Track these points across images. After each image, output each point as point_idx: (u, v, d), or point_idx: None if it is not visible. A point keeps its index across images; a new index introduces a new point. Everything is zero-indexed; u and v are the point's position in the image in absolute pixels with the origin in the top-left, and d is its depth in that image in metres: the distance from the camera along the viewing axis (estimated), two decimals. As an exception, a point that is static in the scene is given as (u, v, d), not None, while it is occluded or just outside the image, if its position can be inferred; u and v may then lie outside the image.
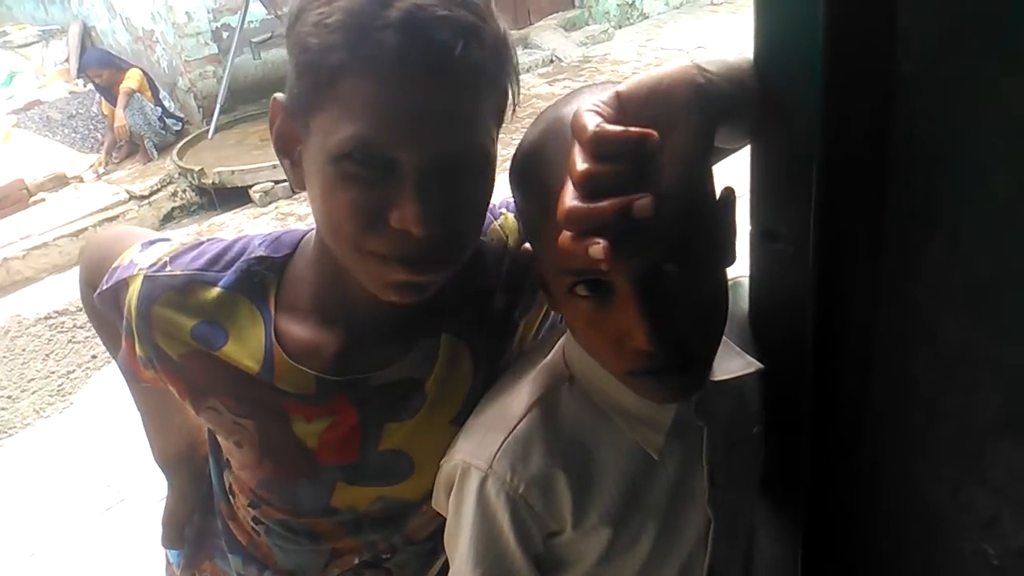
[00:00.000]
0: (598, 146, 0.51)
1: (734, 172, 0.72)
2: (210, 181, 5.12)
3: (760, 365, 0.73)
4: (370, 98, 0.59)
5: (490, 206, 0.75)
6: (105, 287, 0.81)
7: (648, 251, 0.55)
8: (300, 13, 0.61)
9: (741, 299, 0.78)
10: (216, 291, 0.75)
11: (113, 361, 0.90)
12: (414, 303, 0.68)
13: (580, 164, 0.51)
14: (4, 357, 3.64)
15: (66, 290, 4.10)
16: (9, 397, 3.35)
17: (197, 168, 5.18)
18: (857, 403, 0.70)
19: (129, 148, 5.95)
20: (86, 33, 7.08)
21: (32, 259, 4.64)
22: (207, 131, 5.81)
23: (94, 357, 3.51)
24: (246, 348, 0.75)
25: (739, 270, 0.73)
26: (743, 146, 0.68)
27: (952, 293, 0.59)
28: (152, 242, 0.83)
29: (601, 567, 0.73)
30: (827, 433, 0.74)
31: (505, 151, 0.64)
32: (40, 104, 6.51)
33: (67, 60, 7.12)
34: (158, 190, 5.29)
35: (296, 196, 4.98)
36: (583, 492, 0.70)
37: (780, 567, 0.87)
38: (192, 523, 1.04)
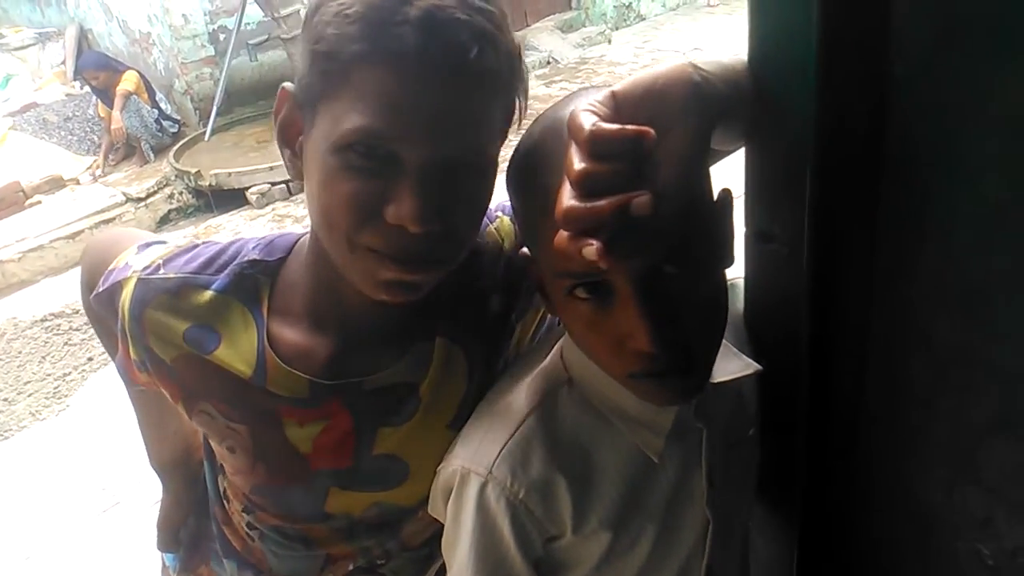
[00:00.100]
0: (595, 145, 0.50)
1: (730, 174, 0.72)
2: (207, 183, 5.12)
3: (759, 367, 0.72)
4: (382, 90, 0.59)
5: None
6: (101, 289, 0.81)
7: (647, 250, 0.55)
8: (320, 6, 0.62)
9: (737, 300, 0.78)
10: (209, 294, 0.75)
11: (110, 364, 0.90)
12: (404, 303, 0.67)
13: (577, 163, 0.51)
14: (0, 360, 3.63)
15: (62, 293, 4.08)
16: (5, 400, 3.34)
17: (194, 170, 5.17)
18: (852, 403, 0.70)
19: (126, 150, 5.94)
20: (82, 35, 7.08)
21: (28, 261, 4.63)
22: (204, 133, 5.80)
23: (90, 359, 3.50)
24: (238, 352, 0.75)
25: (736, 272, 0.73)
26: (737, 148, 0.68)
27: (946, 294, 0.59)
28: (148, 244, 0.83)
29: (600, 570, 0.73)
30: (822, 433, 0.74)
31: (503, 153, 0.64)
32: (36, 106, 6.50)
33: (63, 62, 7.11)
34: (155, 192, 5.29)
35: (293, 198, 4.97)
36: (583, 496, 0.70)
37: (776, 567, 0.87)
38: (188, 526, 1.04)
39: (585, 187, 0.50)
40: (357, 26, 0.59)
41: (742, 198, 0.68)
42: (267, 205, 4.99)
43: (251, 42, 5.94)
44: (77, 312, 3.78)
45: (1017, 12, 0.48)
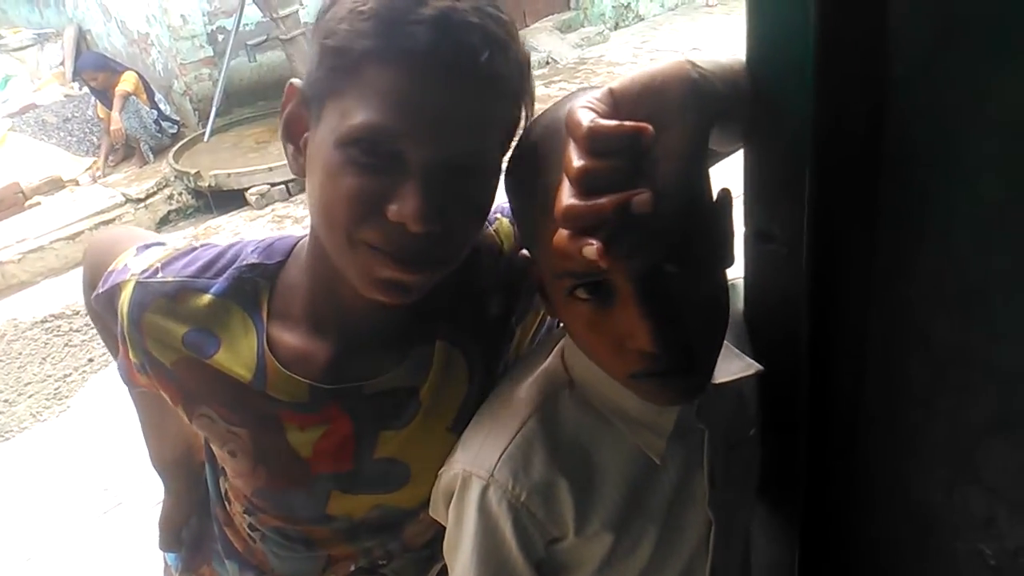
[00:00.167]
0: (593, 142, 0.50)
1: (730, 174, 0.72)
2: (206, 184, 5.11)
3: (760, 367, 0.72)
4: (391, 87, 0.59)
5: None
6: (101, 290, 0.81)
7: (648, 249, 0.54)
8: (334, 3, 0.63)
9: (737, 300, 0.78)
10: (207, 298, 0.75)
11: (110, 365, 0.90)
12: (398, 305, 0.67)
13: (576, 160, 0.50)
14: (0, 361, 3.63)
15: (62, 294, 4.08)
16: (5, 401, 3.34)
17: (193, 171, 5.16)
18: (851, 403, 0.70)
19: (125, 151, 5.93)
20: (81, 36, 7.07)
21: (28, 263, 4.63)
22: (203, 134, 5.79)
23: (91, 360, 3.50)
24: (238, 356, 0.74)
25: (735, 272, 0.73)
26: (736, 150, 0.68)
27: (944, 294, 0.59)
28: (148, 246, 0.82)
29: (602, 572, 0.73)
30: (822, 433, 0.74)
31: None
32: (35, 107, 6.49)
33: (62, 63, 7.10)
34: (154, 193, 5.28)
35: (292, 199, 4.96)
36: (585, 498, 0.70)
37: (777, 567, 0.87)
38: (190, 526, 1.04)
39: (584, 185, 0.50)
40: (371, 23, 0.59)
41: (741, 198, 0.69)
42: (266, 206, 4.99)
43: (250, 43, 5.93)
44: (77, 313, 3.78)
45: (1015, 13, 0.48)
